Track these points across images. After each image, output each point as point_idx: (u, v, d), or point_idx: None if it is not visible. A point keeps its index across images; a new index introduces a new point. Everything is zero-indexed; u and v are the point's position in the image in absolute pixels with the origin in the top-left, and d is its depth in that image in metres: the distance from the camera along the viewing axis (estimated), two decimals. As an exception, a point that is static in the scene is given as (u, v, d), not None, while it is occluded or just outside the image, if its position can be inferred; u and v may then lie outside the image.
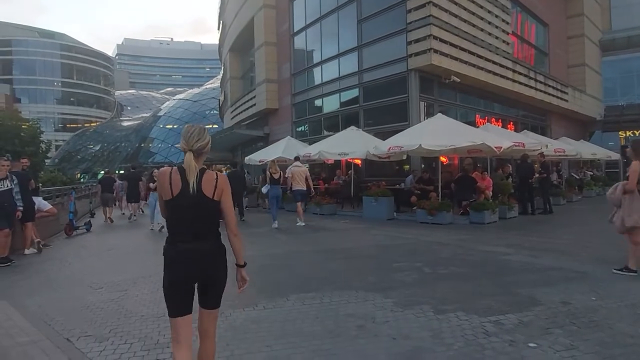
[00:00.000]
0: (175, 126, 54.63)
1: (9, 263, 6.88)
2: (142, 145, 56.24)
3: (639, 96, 29.84)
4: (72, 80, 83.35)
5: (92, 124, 78.60)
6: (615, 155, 21.00)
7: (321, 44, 19.54)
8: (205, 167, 2.43)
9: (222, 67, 36.66)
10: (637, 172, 5.18)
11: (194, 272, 2.31)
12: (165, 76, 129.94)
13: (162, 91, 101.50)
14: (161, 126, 57.12)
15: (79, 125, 79.86)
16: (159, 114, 61.21)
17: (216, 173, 2.41)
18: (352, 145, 13.36)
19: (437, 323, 3.81)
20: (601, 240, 8.07)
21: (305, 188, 11.20)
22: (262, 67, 22.87)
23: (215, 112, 48.61)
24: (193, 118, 54.72)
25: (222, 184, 2.37)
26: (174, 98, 67.56)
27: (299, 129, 21.35)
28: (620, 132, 29.22)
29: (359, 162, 15.43)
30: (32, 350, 3.40)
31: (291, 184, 11.17)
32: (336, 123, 18.13)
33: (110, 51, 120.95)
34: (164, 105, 66.62)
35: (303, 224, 10.87)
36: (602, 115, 28.28)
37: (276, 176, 11.18)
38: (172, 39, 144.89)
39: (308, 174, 11.59)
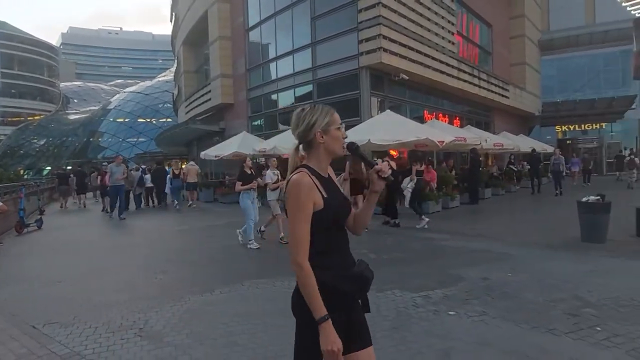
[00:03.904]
0: (126, 120, 52.56)
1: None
2: (92, 139, 53.72)
3: (574, 93, 32.14)
4: (13, 71, 78.17)
5: (35, 117, 74.22)
6: (551, 149, 22.66)
7: (276, 39, 19.74)
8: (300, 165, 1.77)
9: (176, 60, 35.89)
10: (347, 169, 8.41)
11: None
12: (115, 67, 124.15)
13: (111, 83, 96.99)
14: (111, 120, 54.73)
15: (21, 118, 75.17)
16: (108, 107, 58.58)
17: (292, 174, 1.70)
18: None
19: (376, 299, 4.33)
20: (530, 227, 9.00)
21: (196, 181, 16.20)
22: (216, 62, 22.76)
23: (169, 105, 47.35)
24: (145, 111, 52.88)
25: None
26: (125, 91, 64.86)
27: (255, 123, 21.51)
28: (556, 127, 31.52)
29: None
30: (1, 336, 3.61)
31: (186, 178, 15.68)
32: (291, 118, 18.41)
33: (54, 40, 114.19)
34: (114, 98, 63.76)
35: (195, 205, 15.47)
36: (540, 111, 30.31)
37: (177, 172, 15.80)
38: (121, 28, 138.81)
39: (199, 171, 17.10)
